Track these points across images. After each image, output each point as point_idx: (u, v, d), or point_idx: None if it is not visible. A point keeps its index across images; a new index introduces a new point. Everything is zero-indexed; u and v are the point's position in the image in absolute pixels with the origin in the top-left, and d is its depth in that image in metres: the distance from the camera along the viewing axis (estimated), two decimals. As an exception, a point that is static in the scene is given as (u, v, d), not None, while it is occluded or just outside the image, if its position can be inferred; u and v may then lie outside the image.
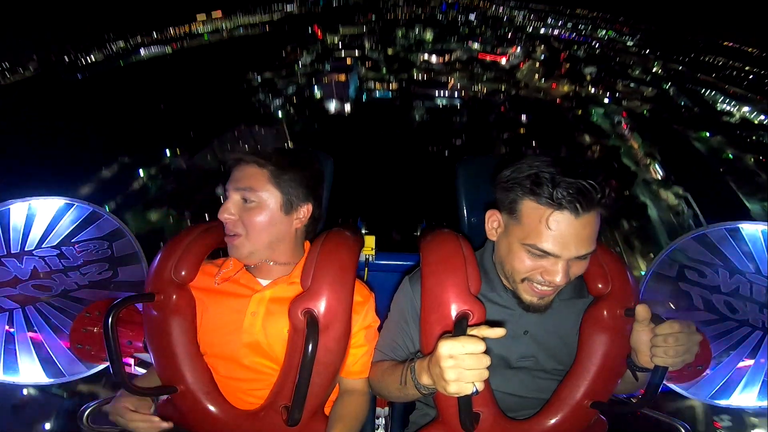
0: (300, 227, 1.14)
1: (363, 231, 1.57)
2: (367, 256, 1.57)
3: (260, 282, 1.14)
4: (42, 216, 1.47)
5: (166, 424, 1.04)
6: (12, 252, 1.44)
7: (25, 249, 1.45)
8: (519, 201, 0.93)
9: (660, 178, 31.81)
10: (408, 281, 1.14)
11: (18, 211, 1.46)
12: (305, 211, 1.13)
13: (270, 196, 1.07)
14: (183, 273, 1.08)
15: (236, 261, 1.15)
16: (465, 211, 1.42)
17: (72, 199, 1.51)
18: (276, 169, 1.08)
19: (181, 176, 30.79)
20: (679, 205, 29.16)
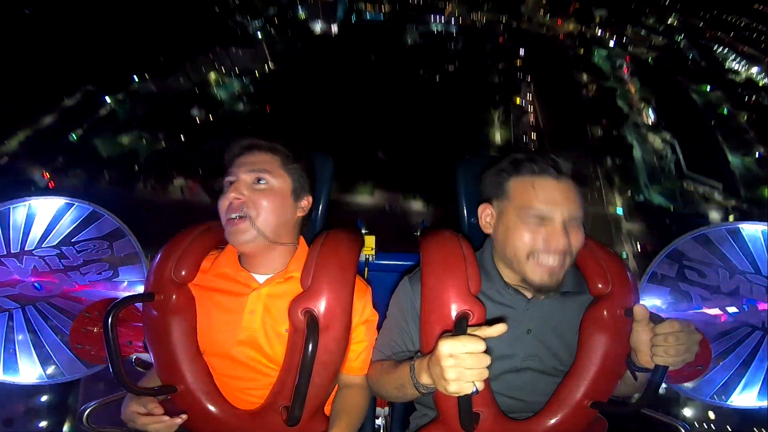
0: (301, 216, 1.16)
1: (363, 231, 1.57)
2: (367, 256, 1.57)
3: (256, 278, 1.12)
4: (42, 216, 1.47)
5: (179, 419, 1.02)
6: (12, 252, 1.44)
7: (25, 249, 1.45)
8: (505, 183, 1.02)
9: (651, 122, 31.52)
10: (408, 281, 1.14)
11: (18, 211, 1.46)
12: (307, 202, 1.16)
13: (283, 181, 1.10)
14: (183, 273, 1.08)
15: (229, 255, 1.14)
16: (465, 211, 1.42)
17: (72, 198, 1.52)
18: (287, 157, 1.12)
19: (153, 100, 29.17)
20: (664, 150, 29.11)
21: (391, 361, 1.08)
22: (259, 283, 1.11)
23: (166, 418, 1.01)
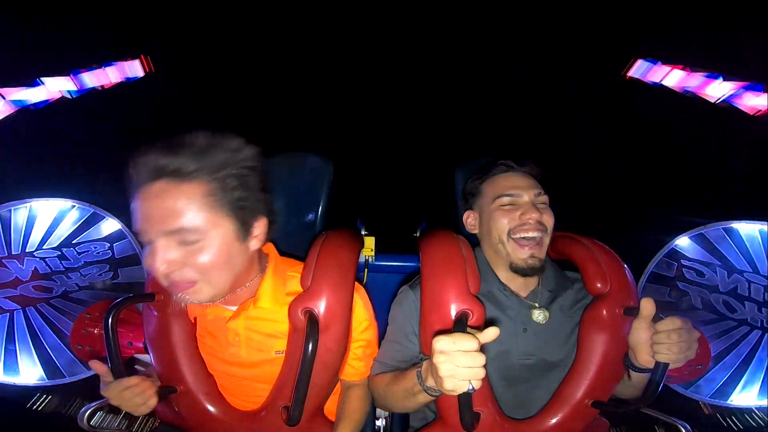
0: (259, 246, 0.91)
1: (363, 232, 1.58)
2: (367, 258, 1.57)
3: (227, 308, 1.02)
4: (43, 217, 1.48)
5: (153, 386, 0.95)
6: (13, 253, 1.44)
7: (26, 250, 1.45)
8: (480, 186, 1.19)
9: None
10: (409, 289, 1.14)
11: (19, 212, 1.46)
12: (261, 225, 0.88)
13: (217, 228, 0.79)
14: None
15: None
16: (464, 224, 1.42)
17: (73, 200, 1.52)
18: (212, 180, 0.77)
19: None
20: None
21: (395, 372, 1.07)
22: (231, 311, 1.01)
23: (143, 386, 0.92)
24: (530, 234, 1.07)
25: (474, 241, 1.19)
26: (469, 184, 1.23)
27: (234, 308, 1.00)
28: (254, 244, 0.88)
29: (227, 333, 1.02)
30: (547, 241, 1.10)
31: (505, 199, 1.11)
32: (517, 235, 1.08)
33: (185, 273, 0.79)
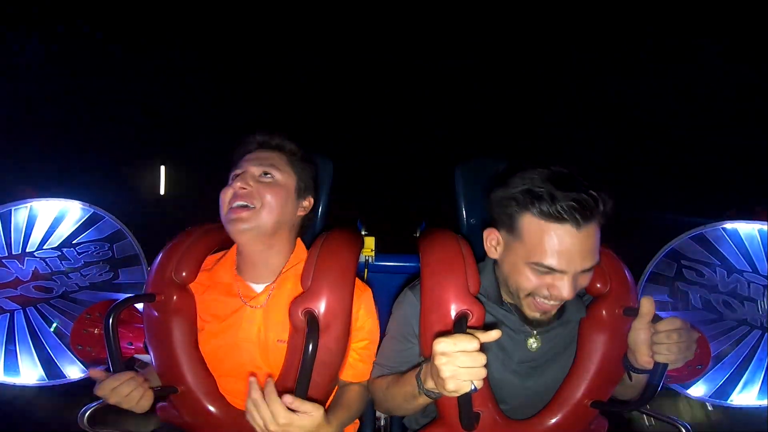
0: (302, 216, 1.17)
1: (363, 232, 1.57)
2: (367, 258, 1.57)
3: (253, 288, 1.11)
4: (43, 218, 1.48)
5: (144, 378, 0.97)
6: (13, 253, 1.44)
7: (27, 251, 1.45)
8: (517, 217, 0.91)
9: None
10: (410, 292, 1.11)
11: (19, 212, 1.46)
12: (308, 202, 1.17)
13: (288, 177, 1.12)
14: (184, 274, 1.08)
15: (227, 263, 1.13)
16: (464, 212, 1.42)
17: (73, 201, 1.52)
18: (293, 156, 1.15)
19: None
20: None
21: (395, 375, 1.06)
22: (256, 293, 1.10)
23: (137, 381, 0.95)
24: (552, 303, 0.94)
25: (475, 234, 1.15)
26: (504, 200, 0.94)
27: (260, 288, 1.11)
28: (300, 209, 1.15)
29: (243, 316, 1.07)
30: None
31: (543, 269, 0.89)
32: (538, 299, 0.94)
33: (252, 196, 1.05)
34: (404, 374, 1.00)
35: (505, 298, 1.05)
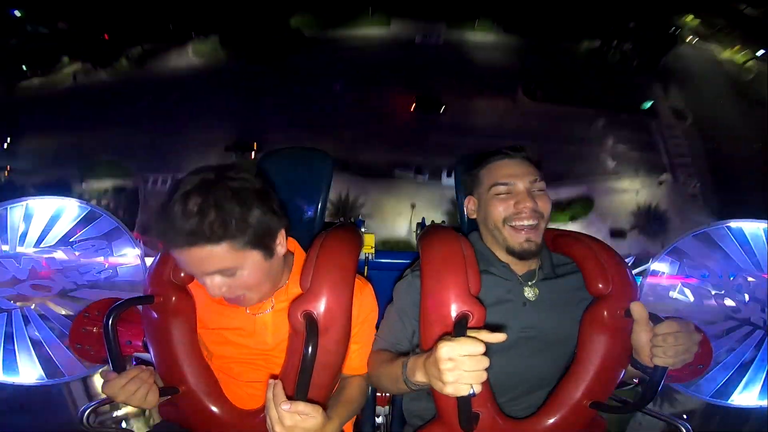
0: (284, 250, 1.02)
1: (362, 230, 1.56)
2: (367, 255, 1.57)
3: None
4: (39, 216, 1.47)
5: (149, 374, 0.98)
6: (10, 252, 1.43)
7: (23, 249, 1.44)
8: (477, 174, 1.20)
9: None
10: (410, 275, 1.16)
11: (15, 211, 1.45)
12: (281, 236, 1.00)
13: (247, 260, 0.92)
14: (182, 274, 1.08)
15: None
16: (465, 210, 1.41)
17: (70, 198, 1.51)
18: (236, 236, 0.88)
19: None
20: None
21: (390, 353, 1.10)
22: (260, 304, 1.08)
23: (142, 380, 0.96)
24: (525, 222, 1.09)
25: (475, 226, 1.24)
26: (471, 168, 1.24)
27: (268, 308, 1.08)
28: (280, 250, 1.00)
29: (255, 323, 1.07)
30: (543, 226, 1.12)
31: (501, 188, 1.12)
32: (513, 223, 1.10)
33: (235, 291, 0.96)
34: (398, 358, 1.03)
35: (498, 255, 1.16)
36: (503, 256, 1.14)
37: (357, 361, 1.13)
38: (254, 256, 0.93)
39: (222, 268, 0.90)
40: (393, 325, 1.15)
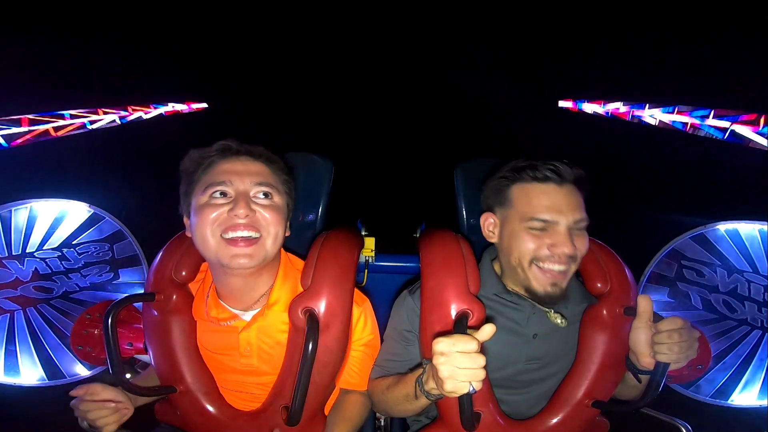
0: (283, 238, 1.01)
1: (363, 232, 1.57)
2: (367, 258, 1.57)
3: (241, 317, 1.04)
4: (43, 218, 1.48)
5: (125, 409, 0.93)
6: (13, 254, 1.44)
7: (27, 251, 1.45)
8: (507, 190, 1.02)
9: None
10: (409, 296, 1.12)
11: (19, 213, 1.46)
12: (287, 224, 1.02)
13: (281, 198, 0.98)
14: (183, 273, 1.08)
15: (211, 295, 1.06)
16: (464, 212, 1.42)
17: (73, 201, 1.52)
18: (282, 169, 1.00)
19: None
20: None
21: (392, 377, 1.06)
22: (245, 321, 1.04)
23: (113, 403, 0.91)
24: (556, 267, 0.95)
25: (475, 234, 1.16)
26: (494, 182, 1.05)
27: (247, 316, 1.03)
28: (287, 231, 1.02)
29: (239, 345, 1.03)
30: (574, 269, 0.97)
31: (538, 224, 0.95)
32: (542, 264, 0.96)
33: (257, 224, 0.92)
34: (404, 376, 1.00)
35: (511, 287, 1.05)
36: (517, 289, 1.05)
37: (357, 377, 1.11)
38: (283, 198, 0.99)
39: (267, 181, 0.96)
40: (393, 350, 1.11)
